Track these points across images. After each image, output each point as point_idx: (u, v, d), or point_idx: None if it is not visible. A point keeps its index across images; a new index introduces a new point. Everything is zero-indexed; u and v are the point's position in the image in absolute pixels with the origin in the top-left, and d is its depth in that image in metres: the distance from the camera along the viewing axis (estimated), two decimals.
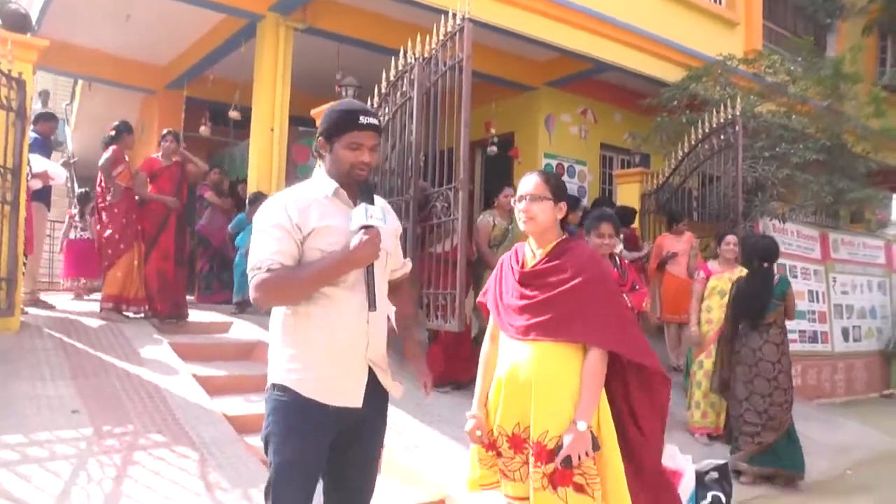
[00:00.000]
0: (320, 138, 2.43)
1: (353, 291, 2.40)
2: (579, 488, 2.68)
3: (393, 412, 5.00)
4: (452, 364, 5.59)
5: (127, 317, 6.50)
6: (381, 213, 2.36)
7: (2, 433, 3.93)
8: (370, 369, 2.48)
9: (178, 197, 6.85)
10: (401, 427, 4.90)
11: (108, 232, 6.55)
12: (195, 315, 6.89)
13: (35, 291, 6.94)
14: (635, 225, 8.49)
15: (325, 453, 2.47)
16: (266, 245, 2.35)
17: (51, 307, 6.77)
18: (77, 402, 4.45)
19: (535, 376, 2.72)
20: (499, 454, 2.85)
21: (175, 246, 6.75)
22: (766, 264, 5.50)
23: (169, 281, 6.60)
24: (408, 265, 2.76)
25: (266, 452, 2.46)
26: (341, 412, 2.43)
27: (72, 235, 9.16)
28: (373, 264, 2.37)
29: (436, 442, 4.71)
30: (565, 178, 10.31)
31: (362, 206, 2.33)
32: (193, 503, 3.55)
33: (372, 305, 2.38)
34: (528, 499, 2.79)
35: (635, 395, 2.88)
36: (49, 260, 10.53)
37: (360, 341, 2.43)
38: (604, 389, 2.78)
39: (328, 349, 2.41)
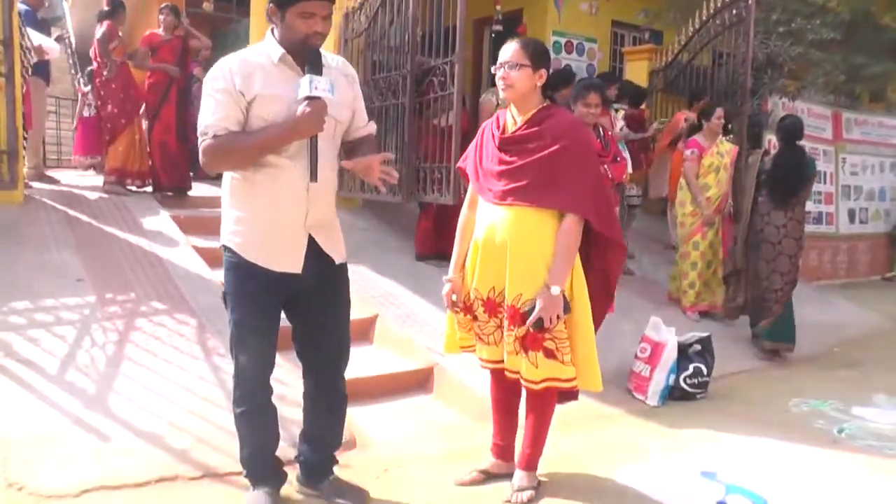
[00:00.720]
0: (271, 5, 2.38)
1: (295, 161, 2.43)
2: (549, 353, 2.77)
3: (387, 284, 5.23)
4: (445, 237, 5.65)
5: (130, 191, 6.59)
6: (327, 84, 2.34)
7: (10, 300, 4.07)
8: (312, 238, 2.55)
9: (183, 72, 6.81)
10: (394, 298, 5.05)
11: (108, 107, 6.60)
12: (198, 189, 6.96)
13: (39, 166, 7.02)
14: (644, 107, 8.31)
15: (276, 311, 2.60)
16: (212, 110, 2.37)
17: (55, 182, 6.86)
18: (81, 271, 4.58)
19: (511, 240, 2.77)
20: (474, 318, 2.94)
21: (177, 119, 6.73)
22: (796, 143, 5.61)
23: (171, 153, 6.63)
24: (371, 126, 2.76)
25: (226, 309, 2.58)
26: (285, 277, 2.52)
27: (86, 113, 9.13)
28: (317, 135, 2.39)
29: (427, 312, 4.84)
30: (574, 56, 10.05)
31: (307, 76, 2.32)
32: (192, 366, 3.70)
33: (313, 176, 2.41)
34: (500, 362, 2.91)
35: (594, 263, 2.94)
36: (56, 136, 10.53)
37: (299, 210, 2.49)
38: (579, 256, 2.83)
39: (268, 216, 2.48)
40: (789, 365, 5.51)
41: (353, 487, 2.88)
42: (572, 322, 2.80)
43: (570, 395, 3.01)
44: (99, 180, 6.96)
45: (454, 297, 2.98)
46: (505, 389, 3.06)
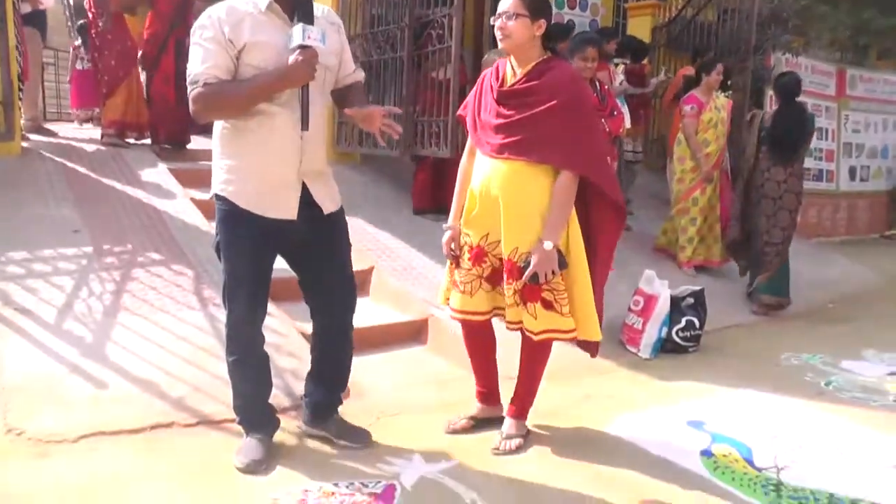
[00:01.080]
0: None
1: (286, 108, 2.43)
2: (547, 304, 2.79)
3: (384, 237, 5.26)
4: (442, 191, 5.66)
5: (129, 143, 6.57)
6: (318, 34, 2.34)
7: (8, 250, 4.09)
8: (306, 187, 2.56)
9: (182, 23, 6.69)
10: (391, 251, 5.07)
11: (105, 59, 6.50)
12: (196, 142, 6.93)
13: (37, 118, 6.99)
14: (646, 62, 8.22)
15: (270, 260, 2.63)
16: (201, 59, 2.37)
17: (53, 134, 6.83)
18: (78, 222, 4.59)
19: (507, 193, 2.77)
20: (457, 265, 2.97)
21: (175, 69, 6.66)
22: (794, 100, 5.63)
23: (171, 105, 6.56)
24: (359, 73, 2.76)
25: (219, 259, 2.60)
26: (280, 224, 2.53)
27: (78, 66, 9.06)
28: (308, 84, 2.39)
29: (423, 265, 4.88)
30: (577, 11, 9.89)
31: (300, 25, 2.32)
32: (188, 316, 3.74)
33: (304, 125, 2.42)
34: (470, 313, 2.95)
35: (593, 220, 2.94)
36: (55, 90, 10.47)
37: (292, 156, 2.50)
38: (574, 210, 2.84)
39: (261, 163, 2.49)
40: (783, 320, 5.56)
41: (357, 428, 2.95)
42: (570, 276, 2.82)
43: (593, 348, 3.06)
44: (97, 133, 6.93)
45: (453, 246, 2.99)
46: (476, 338, 3.12)
